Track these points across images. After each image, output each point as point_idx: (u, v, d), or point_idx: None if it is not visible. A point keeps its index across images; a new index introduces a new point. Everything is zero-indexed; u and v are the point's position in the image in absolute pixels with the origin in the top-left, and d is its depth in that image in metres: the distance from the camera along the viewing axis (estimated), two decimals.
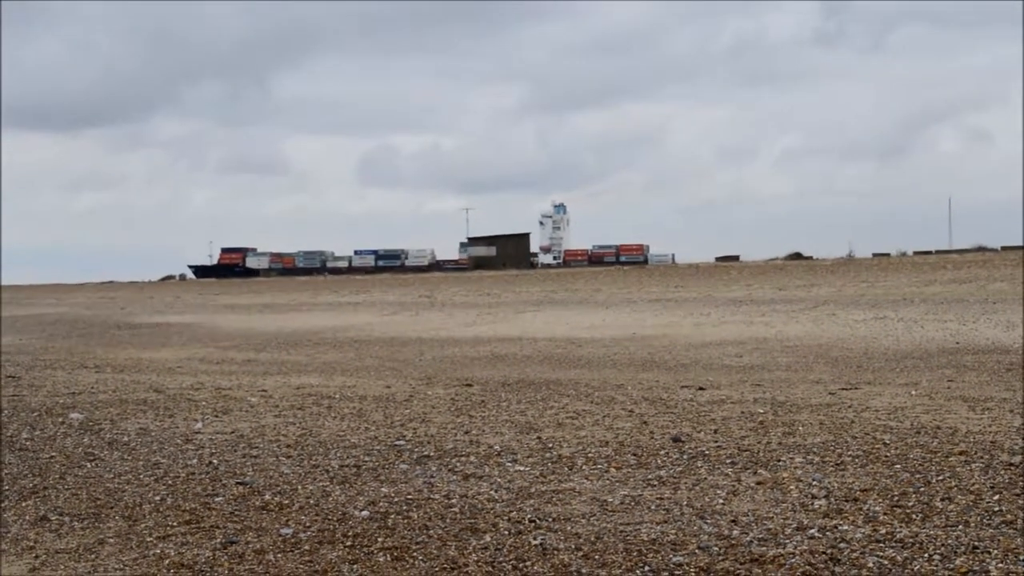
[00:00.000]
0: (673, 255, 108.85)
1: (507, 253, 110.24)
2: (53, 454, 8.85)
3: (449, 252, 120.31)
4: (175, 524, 6.45)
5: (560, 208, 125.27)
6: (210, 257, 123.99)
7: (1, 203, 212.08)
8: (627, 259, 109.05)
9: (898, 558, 5.36)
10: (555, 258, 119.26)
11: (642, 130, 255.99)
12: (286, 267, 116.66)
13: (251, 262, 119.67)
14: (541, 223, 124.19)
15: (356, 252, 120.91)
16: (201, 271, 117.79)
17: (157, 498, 7.14)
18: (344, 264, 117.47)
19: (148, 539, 6.14)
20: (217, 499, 7.06)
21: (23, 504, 7.08)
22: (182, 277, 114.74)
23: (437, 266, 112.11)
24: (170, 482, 7.64)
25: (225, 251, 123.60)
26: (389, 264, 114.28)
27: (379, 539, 6.01)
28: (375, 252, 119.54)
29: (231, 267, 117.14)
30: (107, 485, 7.58)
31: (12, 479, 7.85)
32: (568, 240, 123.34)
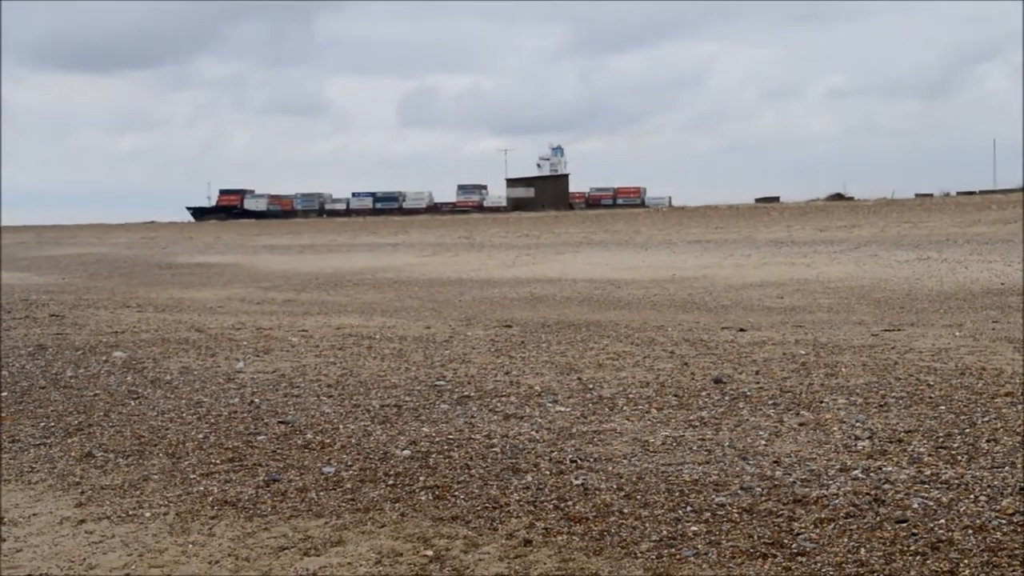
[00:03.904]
0: (670, 198, 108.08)
1: (546, 195, 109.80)
2: (97, 392, 8.93)
3: (449, 195, 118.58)
4: (218, 462, 6.50)
5: (558, 151, 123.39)
6: (208, 199, 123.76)
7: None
8: (624, 201, 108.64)
9: (943, 499, 5.31)
10: None
11: (685, 70, 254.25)
12: (284, 209, 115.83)
13: (249, 204, 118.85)
14: (539, 166, 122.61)
15: (354, 194, 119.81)
16: (199, 213, 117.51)
17: (200, 436, 7.20)
18: (342, 207, 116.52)
19: (192, 476, 6.19)
20: (259, 437, 7.11)
21: (69, 441, 7.16)
22: (222, 217, 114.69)
23: (435, 208, 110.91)
24: (212, 420, 7.69)
25: (223, 193, 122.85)
26: (387, 206, 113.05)
27: (420, 478, 6.02)
28: (373, 195, 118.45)
29: (229, 208, 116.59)
30: (151, 423, 7.65)
31: (58, 416, 7.93)
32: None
